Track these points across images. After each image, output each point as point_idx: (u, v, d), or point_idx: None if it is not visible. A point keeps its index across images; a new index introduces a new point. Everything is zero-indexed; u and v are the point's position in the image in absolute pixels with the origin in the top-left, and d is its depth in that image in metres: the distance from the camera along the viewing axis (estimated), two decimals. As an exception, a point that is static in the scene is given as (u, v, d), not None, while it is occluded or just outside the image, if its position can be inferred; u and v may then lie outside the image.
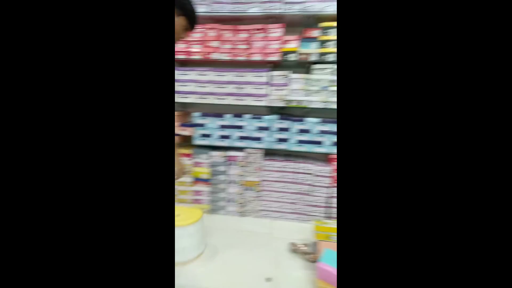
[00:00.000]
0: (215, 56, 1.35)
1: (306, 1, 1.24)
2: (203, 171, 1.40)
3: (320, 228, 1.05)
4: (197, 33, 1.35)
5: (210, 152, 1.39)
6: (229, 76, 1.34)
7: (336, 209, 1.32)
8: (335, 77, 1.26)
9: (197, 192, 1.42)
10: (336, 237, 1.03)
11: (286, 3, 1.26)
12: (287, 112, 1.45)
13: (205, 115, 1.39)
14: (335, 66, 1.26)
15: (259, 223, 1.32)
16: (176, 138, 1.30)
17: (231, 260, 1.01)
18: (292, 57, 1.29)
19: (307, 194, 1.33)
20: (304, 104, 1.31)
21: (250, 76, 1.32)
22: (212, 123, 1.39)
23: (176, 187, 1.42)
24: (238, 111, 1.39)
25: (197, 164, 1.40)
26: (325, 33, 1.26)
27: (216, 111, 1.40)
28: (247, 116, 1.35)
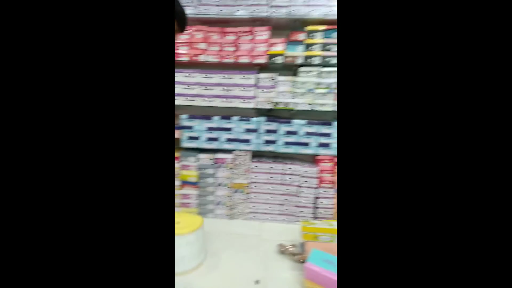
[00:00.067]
0: (202, 58, 1.34)
1: (291, 5, 1.26)
2: (191, 174, 1.38)
3: (307, 229, 1.06)
4: (184, 35, 1.34)
5: (198, 154, 1.37)
6: (216, 78, 1.34)
7: (324, 209, 1.34)
8: (320, 80, 1.29)
9: (185, 196, 1.40)
10: (323, 237, 1.05)
11: (272, 6, 1.27)
12: (274, 114, 1.46)
13: (192, 117, 1.38)
14: (321, 69, 1.29)
15: (248, 226, 1.32)
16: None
17: (220, 264, 1.00)
18: (278, 60, 1.31)
19: (295, 195, 1.34)
20: (291, 106, 1.32)
21: (237, 78, 1.33)
22: (199, 126, 1.38)
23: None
24: (226, 113, 1.39)
25: (184, 167, 1.39)
26: (310, 37, 1.29)
27: (203, 113, 1.39)
28: (235, 118, 1.35)
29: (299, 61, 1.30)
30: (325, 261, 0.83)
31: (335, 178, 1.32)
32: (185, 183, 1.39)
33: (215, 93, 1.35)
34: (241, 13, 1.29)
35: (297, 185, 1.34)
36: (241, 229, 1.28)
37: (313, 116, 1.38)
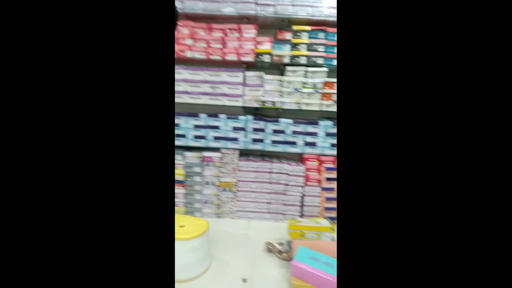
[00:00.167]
0: (189, 54, 1.32)
1: (278, 4, 1.26)
2: (178, 173, 1.36)
3: (294, 227, 1.08)
4: (169, 31, 1.30)
5: (184, 152, 1.35)
6: (203, 75, 1.32)
7: (311, 207, 1.37)
8: (307, 79, 1.30)
9: (171, 195, 1.38)
10: (310, 234, 1.07)
11: (260, 4, 1.26)
12: (261, 113, 1.46)
13: (179, 114, 1.36)
14: (307, 69, 1.30)
15: (236, 224, 1.32)
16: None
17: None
18: (265, 58, 1.30)
19: (283, 194, 1.36)
20: (278, 105, 1.33)
21: (225, 75, 1.31)
22: (186, 123, 1.35)
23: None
24: (213, 111, 1.37)
25: (170, 166, 1.36)
26: (297, 36, 1.29)
27: (190, 111, 1.37)
28: (223, 116, 1.34)
29: (286, 60, 1.31)
30: (311, 259, 0.85)
31: (321, 177, 1.35)
32: (171, 182, 1.37)
33: (202, 90, 1.33)
34: (228, 10, 1.28)
35: (285, 184, 1.35)
36: (228, 228, 1.28)
37: (300, 115, 1.40)
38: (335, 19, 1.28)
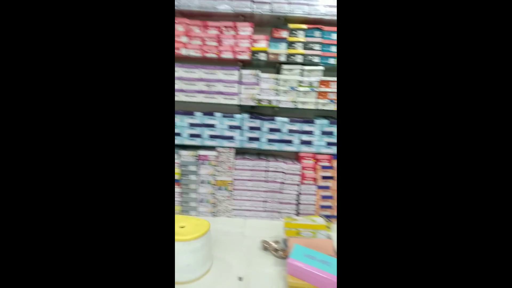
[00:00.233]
0: (184, 52, 1.30)
1: (274, 1, 1.25)
2: (173, 172, 1.35)
3: (289, 225, 1.09)
4: (163, 28, 1.28)
5: (180, 151, 1.34)
6: (199, 73, 1.31)
7: (306, 205, 1.37)
8: (303, 78, 1.30)
9: (166, 194, 1.37)
10: (306, 232, 1.07)
11: (256, 2, 1.26)
12: (257, 111, 1.46)
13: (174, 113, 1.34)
14: (303, 67, 1.30)
15: (232, 223, 1.32)
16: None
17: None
18: (262, 57, 1.30)
19: (278, 192, 1.36)
20: (274, 104, 1.33)
21: (220, 73, 1.30)
22: (181, 122, 1.34)
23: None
24: (209, 109, 1.36)
25: (165, 165, 1.35)
26: (293, 35, 1.29)
27: (185, 109, 1.36)
28: (218, 114, 1.33)
29: (282, 58, 1.30)
30: (307, 256, 0.86)
31: (317, 175, 1.35)
32: (166, 181, 1.36)
33: (197, 89, 1.32)
34: (224, 7, 1.26)
35: (281, 182, 1.35)
36: (224, 226, 1.28)
37: (296, 114, 1.40)
38: (332, 17, 1.28)
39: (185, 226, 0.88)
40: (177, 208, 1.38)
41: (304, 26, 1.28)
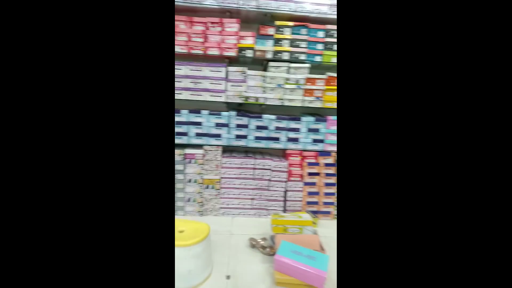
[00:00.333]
0: (168, 48, 1.27)
1: (261, -2, 1.25)
2: (158, 171, 1.32)
3: (276, 222, 1.09)
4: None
5: (165, 150, 1.31)
6: (184, 69, 1.28)
7: (293, 202, 1.39)
8: (289, 75, 1.31)
9: (152, 193, 1.34)
10: (292, 228, 1.08)
11: (242, -2, 1.24)
12: (244, 109, 1.45)
13: (158, 111, 1.31)
14: (290, 65, 1.30)
15: (219, 222, 1.31)
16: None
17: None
18: (248, 54, 1.29)
19: (266, 189, 1.37)
20: (261, 101, 1.32)
21: (207, 70, 1.28)
22: (166, 120, 1.31)
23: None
24: (195, 107, 1.34)
25: (151, 164, 1.31)
26: (280, 32, 1.29)
27: (171, 107, 1.33)
28: (205, 112, 1.31)
29: (269, 55, 1.30)
30: (293, 252, 0.87)
31: (303, 172, 1.37)
32: (151, 180, 1.32)
33: (183, 86, 1.29)
34: (210, 2, 1.24)
35: (268, 179, 1.36)
36: (212, 225, 1.27)
37: (282, 111, 1.40)
38: (318, 15, 1.28)
39: (184, 231, 0.85)
40: (163, 207, 1.35)
41: (291, 24, 1.28)
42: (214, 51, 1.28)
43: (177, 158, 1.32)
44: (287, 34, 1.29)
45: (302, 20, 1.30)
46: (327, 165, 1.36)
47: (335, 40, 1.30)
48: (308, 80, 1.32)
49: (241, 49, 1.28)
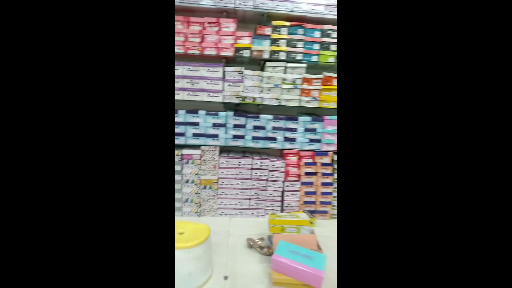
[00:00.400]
0: (164, 48, 1.27)
1: (258, -2, 1.25)
2: (155, 171, 1.31)
3: (274, 222, 1.09)
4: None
5: (162, 150, 1.31)
6: (181, 70, 1.27)
7: (291, 201, 1.39)
8: (286, 75, 1.31)
9: (149, 194, 1.33)
10: (290, 228, 1.09)
11: (239, -2, 1.24)
12: (241, 109, 1.45)
13: (155, 111, 1.30)
14: (287, 64, 1.31)
15: (217, 222, 1.31)
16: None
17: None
18: (245, 53, 1.29)
19: (263, 189, 1.37)
20: (258, 101, 1.33)
21: (204, 70, 1.28)
22: (163, 120, 1.31)
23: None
24: (192, 107, 1.34)
25: (148, 164, 1.31)
26: (276, 32, 1.29)
27: (167, 107, 1.32)
28: (202, 112, 1.31)
29: (266, 55, 1.30)
30: (291, 252, 0.87)
31: (300, 171, 1.37)
32: (148, 181, 1.32)
33: (180, 86, 1.29)
34: (207, 2, 1.24)
35: (265, 179, 1.36)
36: (210, 226, 1.26)
37: (279, 111, 1.40)
38: (314, 15, 1.29)
39: (184, 232, 0.84)
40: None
41: (287, 24, 1.28)
42: (211, 51, 1.28)
43: (175, 158, 1.31)
44: (284, 34, 1.29)
45: (298, 20, 1.30)
46: (323, 164, 1.37)
47: (331, 40, 1.30)
48: (305, 80, 1.32)
49: (238, 49, 1.28)
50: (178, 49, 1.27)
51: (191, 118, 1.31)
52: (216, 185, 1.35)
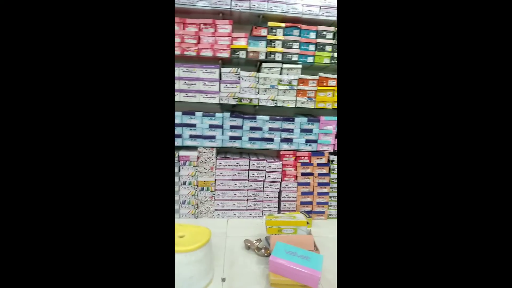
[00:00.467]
0: (160, 49, 1.26)
1: (253, -1, 1.25)
2: (152, 173, 1.31)
3: (271, 223, 1.10)
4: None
5: (158, 152, 1.30)
6: (178, 71, 1.27)
7: (288, 202, 1.39)
8: (282, 76, 1.31)
9: (146, 196, 1.32)
10: (287, 229, 1.09)
11: (234, -1, 1.24)
12: (238, 110, 1.45)
13: (151, 113, 1.30)
14: (282, 66, 1.31)
15: (215, 224, 1.31)
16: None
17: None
18: (241, 55, 1.29)
19: (260, 190, 1.37)
20: (254, 102, 1.33)
21: (200, 72, 1.28)
22: (160, 122, 1.30)
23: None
24: (189, 109, 1.34)
25: (144, 166, 1.30)
26: (272, 33, 1.30)
27: (164, 109, 1.32)
28: (199, 113, 1.31)
29: (262, 56, 1.31)
30: (288, 253, 0.87)
31: (297, 172, 1.38)
32: (145, 183, 1.31)
33: (176, 87, 1.29)
34: (203, 4, 1.24)
35: (262, 180, 1.36)
36: (208, 228, 1.26)
37: (276, 112, 1.41)
38: (309, 16, 1.30)
39: (184, 236, 0.82)
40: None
41: (283, 25, 1.29)
42: (207, 53, 1.28)
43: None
44: (280, 35, 1.30)
45: (294, 21, 1.31)
46: (320, 165, 1.38)
47: (326, 41, 1.31)
48: (301, 80, 1.33)
49: (234, 50, 1.28)
50: (174, 51, 1.26)
51: (187, 120, 1.31)
52: (213, 186, 1.35)
